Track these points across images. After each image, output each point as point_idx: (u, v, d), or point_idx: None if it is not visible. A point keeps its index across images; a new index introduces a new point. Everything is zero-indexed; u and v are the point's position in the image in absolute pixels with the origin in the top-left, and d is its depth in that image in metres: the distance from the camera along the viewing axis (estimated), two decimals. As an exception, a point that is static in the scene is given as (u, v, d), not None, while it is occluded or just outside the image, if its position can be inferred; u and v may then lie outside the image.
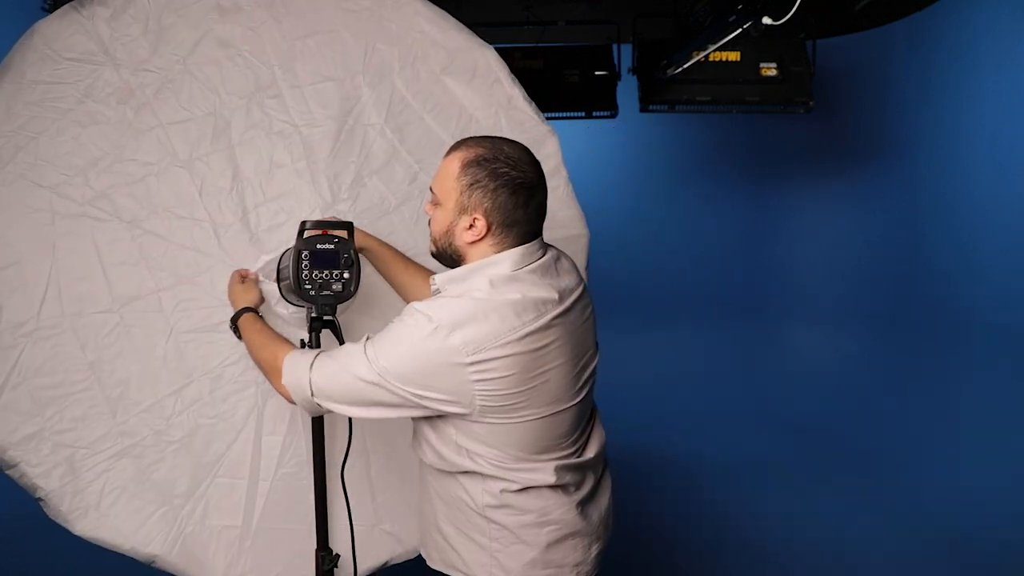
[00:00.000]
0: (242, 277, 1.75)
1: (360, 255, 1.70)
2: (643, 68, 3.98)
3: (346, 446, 1.72)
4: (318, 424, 1.74)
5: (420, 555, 1.57)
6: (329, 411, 1.40)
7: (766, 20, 2.42)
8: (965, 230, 4.26)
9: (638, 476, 4.00)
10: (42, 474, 1.67)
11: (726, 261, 6.05)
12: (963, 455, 4.02)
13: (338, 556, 1.78)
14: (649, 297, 5.93)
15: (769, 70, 3.97)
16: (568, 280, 1.41)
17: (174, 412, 1.77)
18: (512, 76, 2.04)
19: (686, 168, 6.10)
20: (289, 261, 1.61)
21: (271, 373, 1.48)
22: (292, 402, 1.43)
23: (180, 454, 1.77)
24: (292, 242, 1.60)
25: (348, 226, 1.62)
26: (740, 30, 2.73)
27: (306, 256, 1.57)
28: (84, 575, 2.91)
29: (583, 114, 4.29)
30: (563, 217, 2.03)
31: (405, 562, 1.93)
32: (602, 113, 4.29)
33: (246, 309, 1.66)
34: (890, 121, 4.97)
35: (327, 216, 1.80)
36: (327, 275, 1.58)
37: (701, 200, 6.08)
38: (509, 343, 1.26)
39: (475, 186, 1.31)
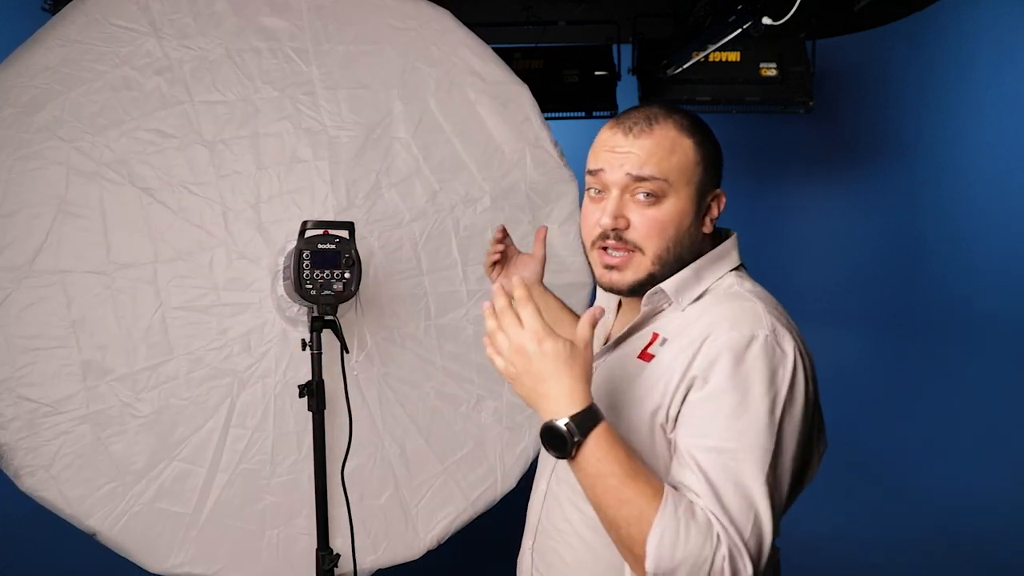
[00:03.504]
0: (593, 321, 0.96)
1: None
2: (643, 68, 3.98)
3: (346, 446, 1.72)
4: (318, 424, 1.72)
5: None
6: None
7: (766, 20, 2.42)
8: (965, 230, 4.26)
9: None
10: None
11: (725, 261, 6.05)
12: (963, 455, 4.02)
13: (338, 556, 1.77)
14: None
15: (769, 70, 3.97)
16: None
17: (146, 387, 1.74)
18: (542, 117, 2.09)
19: (686, 168, 6.10)
20: (291, 261, 1.61)
21: (617, 522, 0.88)
22: None
23: (143, 431, 1.73)
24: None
25: (349, 226, 1.62)
26: (740, 30, 2.73)
27: (307, 256, 1.58)
28: (84, 575, 2.91)
29: (583, 114, 4.28)
30: (572, 263, 2.07)
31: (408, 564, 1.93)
32: (602, 113, 4.29)
33: (594, 414, 0.90)
34: (890, 121, 4.98)
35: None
36: (328, 275, 1.58)
37: (700, 200, 6.08)
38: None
39: (716, 154, 1.04)
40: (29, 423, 1.66)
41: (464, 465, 1.97)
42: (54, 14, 1.80)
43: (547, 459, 1.14)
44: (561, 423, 0.87)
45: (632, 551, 0.87)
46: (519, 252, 1.50)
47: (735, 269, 1.07)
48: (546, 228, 1.51)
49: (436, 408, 1.95)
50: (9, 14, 3.26)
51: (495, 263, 1.47)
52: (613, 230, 1.00)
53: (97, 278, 1.73)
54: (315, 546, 1.75)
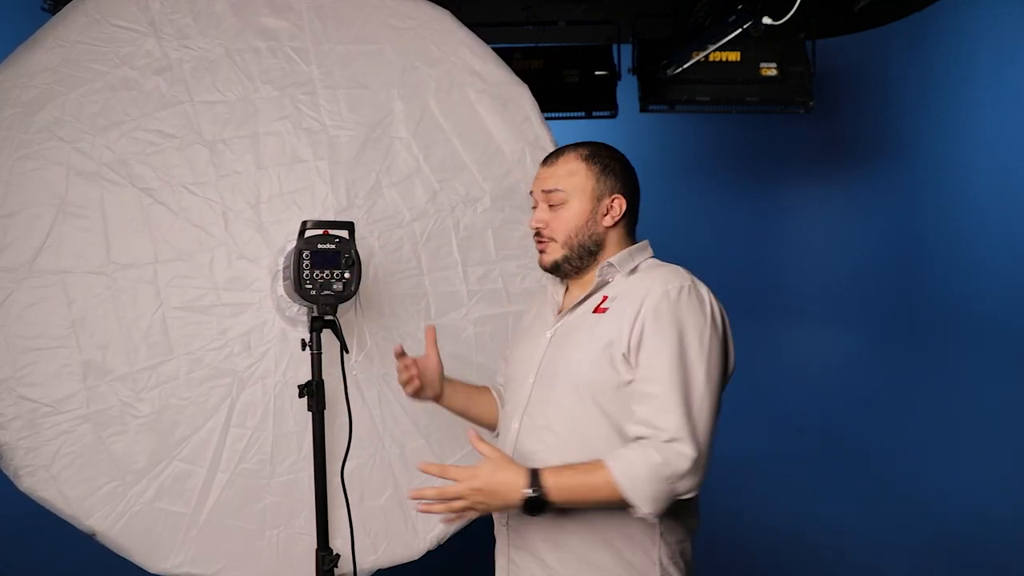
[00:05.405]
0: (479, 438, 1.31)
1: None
2: (643, 68, 3.99)
3: (346, 446, 1.72)
4: (318, 424, 1.72)
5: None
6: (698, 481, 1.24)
7: (766, 20, 2.42)
8: (965, 229, 4.26)
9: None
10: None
11: (725, 261, 6.02)
12: (963, 455, 4.02)
13: (338, 556, 1.77)
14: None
15: (769, 70, 3.97)
16: None
17: (146, 387, 1.74)
18: (542, 117, 2.09)
19: (686, 168, 6.09)
20: (291, 261, 1.61)
21: (610, 500, 1.24)
22: (648, 514, 1.23)
23: (144, 430, 1.73)
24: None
25: (349, 226, 1.62)
26: (740, 30, 2.74)
27: (307, 256, 1.57)
28: (84, 575, 2.92)
29: (583, 114, 4.28)
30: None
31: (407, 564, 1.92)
32: (602, 113, 4.29)
33: (535, 473, 1.25)
34: (890, 121, 4.98)
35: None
36: (328, 275, 1.58)
37: (701, 200, 6.07)
38: None
39: (607, 170, 1.41)
40: (29, 423, 1.66)
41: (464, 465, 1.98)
42: (54, 14, 1.80)
43: (522, 386, 1.43)
44: (526, 496, 1.23)
45: (623, 505, 1.23)
46: (415, 360, 1.58)
47: (652, 257, 1.47)
48: (434, 328, 1.61)
49: (436, 408, 1.95)
50: (9, 14, 3.27)
51: (408, 382, 1.57)
52: (535, 229, 1.44)
53: (97, 278, 1.73)
54: (315, 546, 1.74)
